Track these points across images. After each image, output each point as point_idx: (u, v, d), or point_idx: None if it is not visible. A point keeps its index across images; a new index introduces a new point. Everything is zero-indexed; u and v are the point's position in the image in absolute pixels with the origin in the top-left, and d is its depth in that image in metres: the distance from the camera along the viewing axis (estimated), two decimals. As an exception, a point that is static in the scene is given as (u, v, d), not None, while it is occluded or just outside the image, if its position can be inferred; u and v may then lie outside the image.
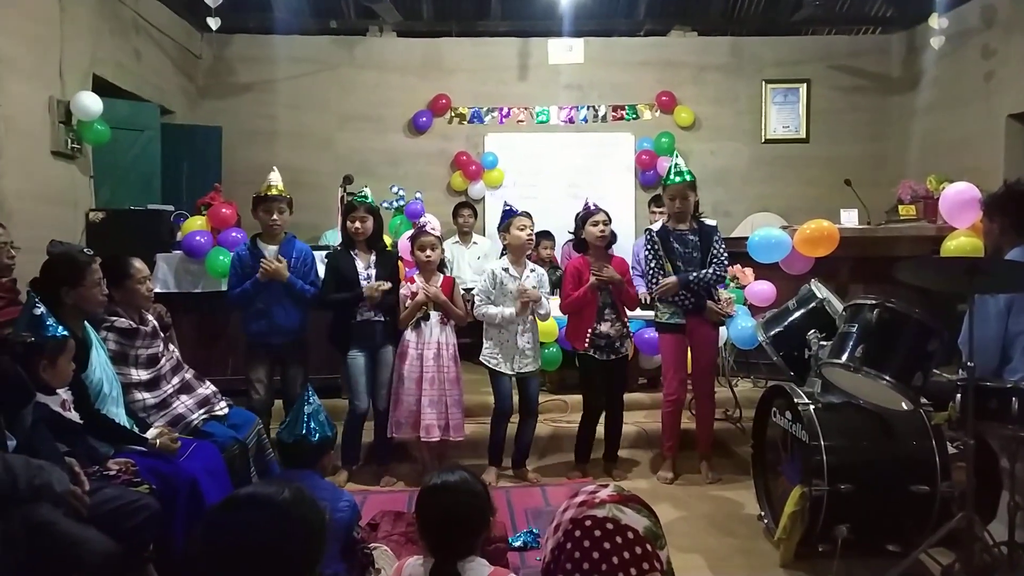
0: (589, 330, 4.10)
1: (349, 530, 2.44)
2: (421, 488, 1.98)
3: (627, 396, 4.43)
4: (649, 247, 4.11)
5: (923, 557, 2.88)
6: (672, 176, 4.05)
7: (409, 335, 4.10)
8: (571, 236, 4.35)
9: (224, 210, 4.95)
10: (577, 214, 4.22)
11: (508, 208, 4.21)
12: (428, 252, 4.11)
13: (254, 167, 6.68)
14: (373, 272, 4.08)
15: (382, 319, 4.08)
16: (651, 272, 4.09)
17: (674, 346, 4.08)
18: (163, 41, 6.52)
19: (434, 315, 4.10)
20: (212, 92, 7.29)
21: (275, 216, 3.98)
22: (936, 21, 6.06)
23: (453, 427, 4.06)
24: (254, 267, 3.94)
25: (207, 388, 3.32)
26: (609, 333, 4.11)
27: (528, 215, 4.25)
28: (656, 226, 4.18)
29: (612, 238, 4.17)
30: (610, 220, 4.14)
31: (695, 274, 3.99)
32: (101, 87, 5.33)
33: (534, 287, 4.10)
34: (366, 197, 4.14)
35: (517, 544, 3.23)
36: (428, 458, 4.15)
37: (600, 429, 4.28)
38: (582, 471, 4.22)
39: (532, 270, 4.18)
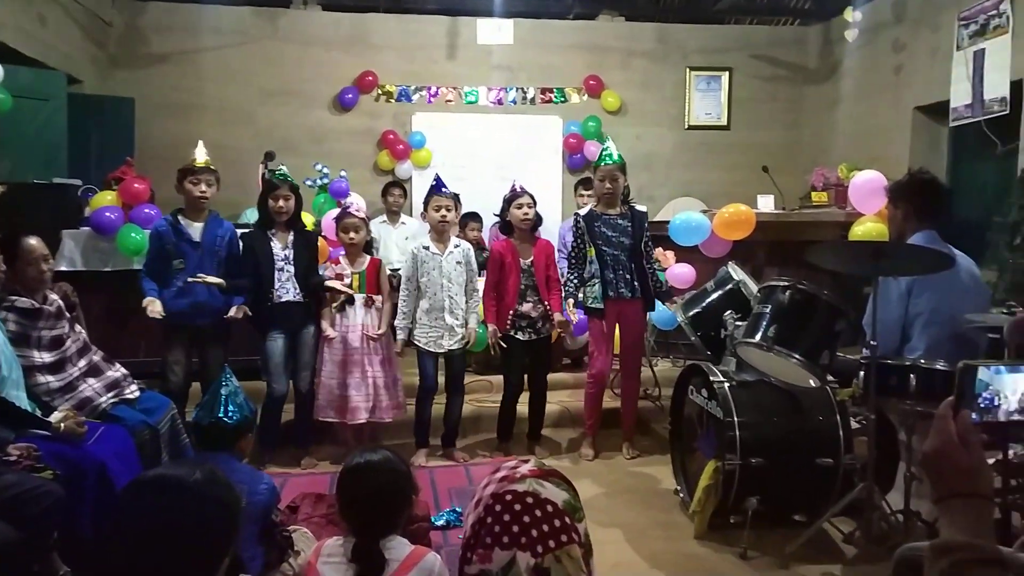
0: (511, 311, 4.13)
1: (268, 513, 2.40)
2: (343, 468, 1.97)
3: (551, 376, 4.49)
4: (574, 229, 4.17)
5: (827, 526, 3.04)
6: (603, 158, 4.11)
7: (331, 318, 4.05)
8: (497, 218, 4.35)
9: (136, 185, 4.75)
10: (504, 196, 4.23)
11: (435, 184, 4.17)
12: (352, 234, 4.05)
13: (169, 141, 6.43)
14: (291, 253, 4.00)
15: (302, 300, 4.01)
16: (574, 259, 4.16)
17: (600, 328, 4.16)
18: (71, 6, 6.15)
19: (359, 298, 4.05)
20: (124, 62, 6.93)
21: (204, 188, 3.84)
22: (850, 15, 6.29)
23: (381, 409, 4.04)
24: (177, 244, 3.81)
25: (117, 371, 3.19)
26: (531, 314, 4.15)
27: (455, 196, 4.23)
28: (583, 211, 4.23)
29: (537, 221, 4.21)
30: (535, 203, 4.17)
31: (653, 278, 4.15)
32: (2, 54, 5.00)
33: (459, 263, 4.09)
34: (286, 175, 4.04)
35: (440, 523, 3.24)
36: (352, 440, 4.12)
37: (525, 408, 4.32)
38: (505, 449, 4.26)
39: (456, 246, 4.15)
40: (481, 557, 1.25)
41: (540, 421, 4.36)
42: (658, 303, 4.28)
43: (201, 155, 3.90)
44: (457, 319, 4.09)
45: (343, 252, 4.16)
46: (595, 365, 4.20)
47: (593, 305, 4.12)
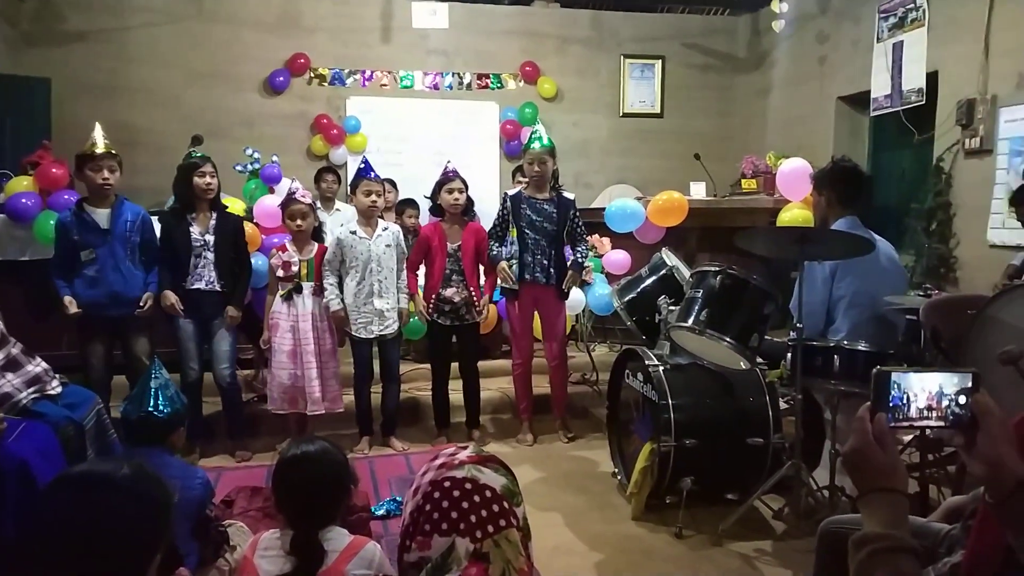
0: (433, 295, 4.13)
1: (202, 508, 2.34)
2: (279, 459, 1.94)
3: (491, 363, 4.51)
4: (500, 207, 4.20)
5: (757, 503, 3.15)
6: (532, 141, 4.13)
7: (279, 307, 3.97)
8: (427, 199, 4.32)
9: (54, 170, 4.52)
10: (437, 179, 4.21)
11: (362, 167, 4.10)
12: (299, 221, 3.97)
13: (89, 124, 6.07)
14: (212, 238, 3.87)
15: (218, 289, 3.88)
16: (493, 232, 4.18)
17: (517, 312, 4.19)
18: (-23, -21, 5.82)
19: (307, 286, 3.98)
20: (39, 40, 6.57)
21: (106, 175, 3.69)
22: (777, 5, 6.45)
23: (331, 399, 4.00)
24: (83, 232, 3.66)
25: (37, 365, 3.04)
26: (453, 299, 4.14)
27: (391, 182, 4.17)
28: (512, 191, 4.25)
29: (469, 205, 4.20)
30: (467, 187, 4.15)
31: (579, 258, 4.15)
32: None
33: (388, 246, 4.04)
34: (203, 155, 3.93)
35: (380, 513, 3.23)
36: (297, 430, 4.06)
37: (460, 396, 4.33)
38: (446, 436, 4.26)
39: (385, 228, 4.10)
40: (420, 544, 1.25)
41: (476, 408, 4.37)
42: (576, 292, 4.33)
43: (100, 140, 3.73)
44: (387, 303, 4.05)
45: (289, 238, 4.07)
46: (516, 348, 4.24)
47: (510, 287, 4.15)
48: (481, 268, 4.25)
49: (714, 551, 2.96)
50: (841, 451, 2.15)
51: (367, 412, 4.16)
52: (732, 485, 3.31)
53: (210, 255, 3.86)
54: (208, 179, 3.84)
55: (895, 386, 1.10)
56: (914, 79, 5.35)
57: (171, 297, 3.80)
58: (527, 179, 4.20)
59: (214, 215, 3.91)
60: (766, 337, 3.14)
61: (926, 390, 1.10)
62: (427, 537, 1.25)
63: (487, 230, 4.23)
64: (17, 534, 2.44)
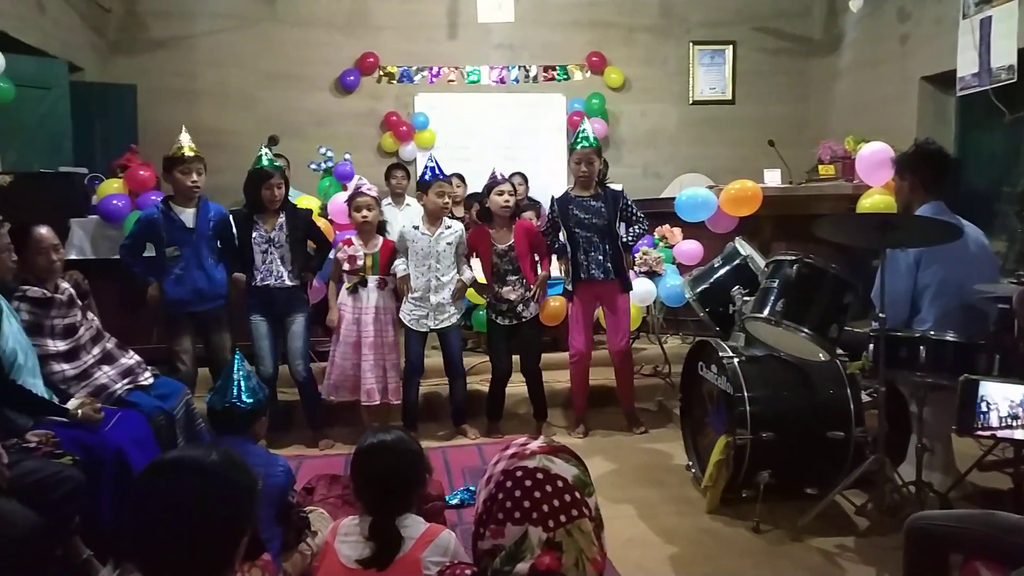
0: (489, 296, 4.19)
1: (284, 494, 2.43)
2: (357, 448, 1.99)
3: (560, 355, 4.51)
4: (549, 210, 4.21)
5: (839, 498, 3.06)
6: (579, 140, 4.10)
7: (344, 299, 4.06)
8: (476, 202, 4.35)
9: (142, 172, 4.76)
10: (485, 184, 4.22)
11: (432, 167, 4.14)
12: (364, 212, 4.04)
13: (172, 127, 6.31)
14: (279, 235, 3.98)
15: (286, 284, 3.98)
16: (547, 232, 4.22)
17: (576, 308, 4.18)
18: (68, -7, 6.13)
19: (371, 279, 4.06)
20: (124, 48, 6.91)
21: (195, 177, 3.83)
22: (855, -16, 6.21)
23: (392, 391, 4.07)
24: (170, 231, 3.80)
25: (131, 358, 3.22)
26: (510, 297, 4.15)
27: (458, 176, 4.20)
28: (559, 194, 4.24)
29: (518, 208, 4.19)
30: (515, 191, 4.15)
31: (628, 239, 4.11)
32: (2, 43, 4.99)
33: (449, 244, 4.09)
34: (272, 162, 4.02)
35: (454, 502, 3.28)
36: (367, 421, 4.15)
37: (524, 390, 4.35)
38: (496, 430, 4.28)
39: (448, 227, 4.14)
40: (494, 532, 1.27)
41: (542, 403, 4.36)
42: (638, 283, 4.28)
43: (187, 143, 3.85)
44: (444, 298, 4.09)
45: (356, 232, 4.17)
46: (572, 346, 4.23)
47: (569, 286, 4.16)
48: (538, 259, 4.25)
49: (793, 546, 2.89)
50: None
51: (414, 406, 4.21)
52: (811, 480, 3.22)
53: (278, 252, 3.97)
54: (275, 191, 3.93)
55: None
56: (1004, 56, 5.06)
57: (240, 278, 3.95)
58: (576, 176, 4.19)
59: (282, 214, 4.01)
60: (846, 327, 3.04)
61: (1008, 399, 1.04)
62: (500, 526, 1.26)
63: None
64: (113, 518, 2.58)
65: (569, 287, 4.14)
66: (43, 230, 2.98)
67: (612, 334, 4.23)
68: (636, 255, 4.55)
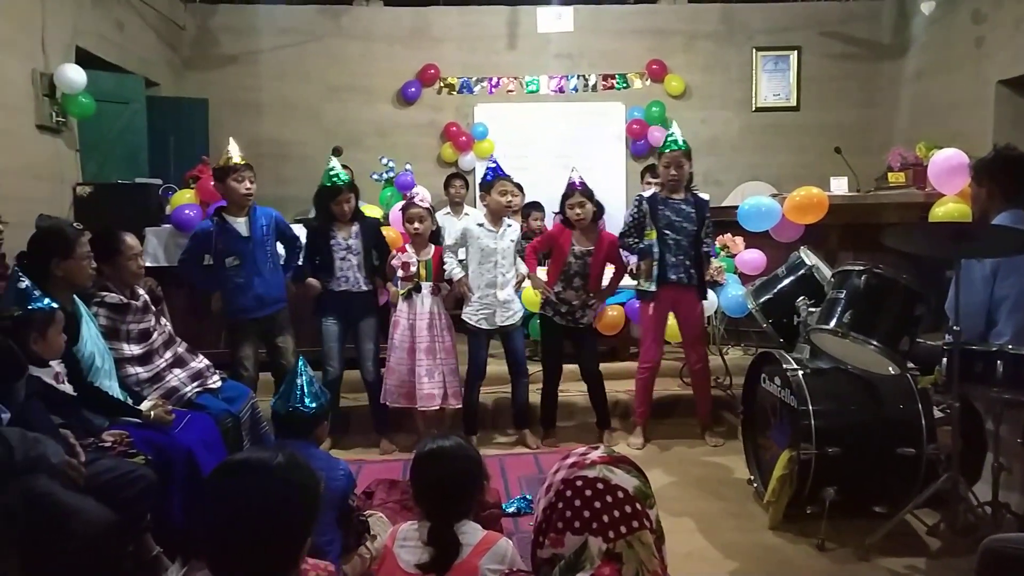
0: (552, 293, 4.15)
1: (345, 498, 2.47)
2: (416, 454, 2.01)
3: (619, 365, 4.47)
4: (635, 209, 4.13)
5: (909, 518, 2.95)
6: (668, 144, 4.08)
7: (400, 305, 4.12)
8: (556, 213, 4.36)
9: (213, 183, 4.91)
10: (563, 192, 4.21)
11: (493, 167, 4.19)
12: (416, 224, 4.11)
13: (241, 139, 6.57)
14: (355, 243, 4.08)
15: (362, 289, 4.08)
16: (629, 232, 4.12)
17: (652, 313, 4.12)
18: (146, 12, 6.41)
19: (425, 285, 4.12)
20: (197, 64, 7.18)
21: (248, 185, 3.89)
22: (927, -14, 6.03)
23: (451, 395, 4.11)
24: (226, 242, 3.86)
25: (200, 362, 3.33)
26: (572, 301, 4.14)
27: (517, 185, 4.23)
28: (647, 192, 4.20)
29: (599, 212, 4.15)
30: (592, 196, 4.09)
31: (707, 249, 4.11)
32: (84, 59, 5.24)
33: (512, 241, 4.14)
34: (339, 175, 4.08)
35: (511, 510, 3.28)
36: (424, 427, 4.19)
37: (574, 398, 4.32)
38: (554, 438, 4.25)
39: (509, 226, 4.19)
40: (553, 541, 1.26)
41: (604, 410, 4.33)
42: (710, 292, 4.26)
43: (236, 153, 3.93)
44: (508, 295, 4.12)
45: (410, 241, 4.23)
46: (644, 352, 4.19)
47: (646, 287, 4.09)
48: (609, 268, 4.22)
49: (860, 566, 2.80)
50: None
51: (474, 411, 4.22)
52: (880, 497, 3.11)
53: (352, 259, 4.07)
54: (344, 207, 4.03)
55: None
56: (1090, 56, 4.83)
57: (315, 284, 4.05)
58: (660, 181, 4.15)
59: (356, 222, 4.13)
60: (918, 340, 2.93)
61: None
62: (560, 535, 1.26)
63: (618, 233, 4.20)
64: (182, 517, 2.67)
65: (651, 288, 4.08)
66: (130, 238, 3.14)
67: (689, 342, 4.19)
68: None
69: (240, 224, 3.91)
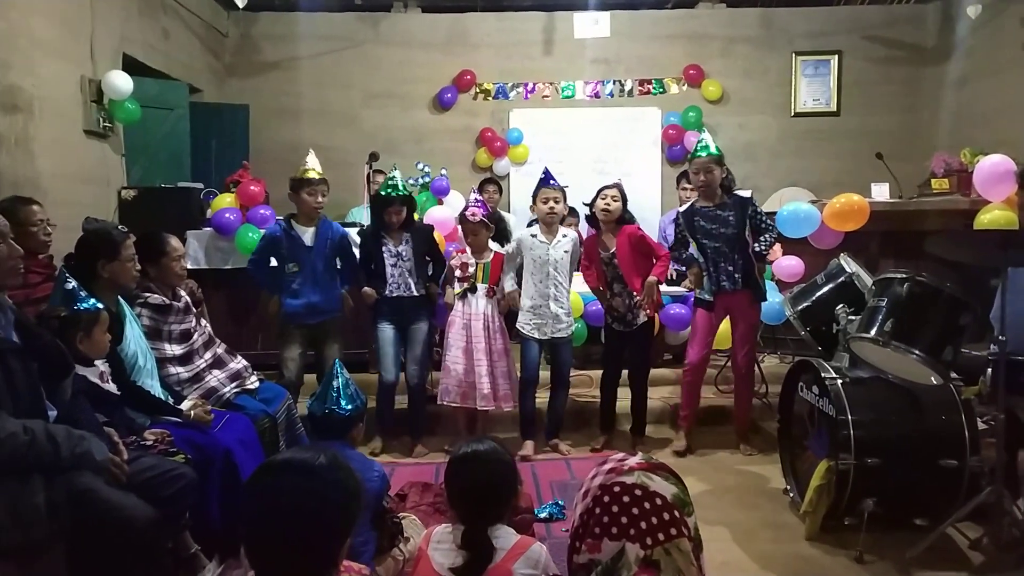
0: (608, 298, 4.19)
1: (379, 500, 2.49)
2: (451, 457, 2.02)
3: (653, 372, 4.44)
4: (675, 226, 4.19)
5: (951, 531, 2.88)
6: (698, 150, 4.05)
7: (456, 305, 4.19)
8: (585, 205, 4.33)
9: (252, 187, 5.01)
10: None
11: (543, 176, 4.20)
12: (471, 237, 4.21)
13: (281, 145, 6.78)
14: (405, 249, 4.12)
15: (414, 295, 4.13)
16: (674, 247, 4.19)
17: (702, 318, 4.10)
18: (191, 20, 6.56)
19: (481, 287, 4.16)
20: (238, 70, 7.33)
21: (320, 199, 4.02)
22: (973, -11, 5.90)
23: (502, 397, 4.13)
24: (290, 248, 4.01)
25: (238, 362, 3.39)
26: (619, 309, 4.14)
27: (563, 189, 4.20)
28: (684, 207, 4.20)
29: (624, 216, 4.11)
30: (622, 195, 4.08)
31: (760, 248, 4.00)
32: (130, 66, 5.38)
33: (566, 252, 4.13)
34: (396, 186, 4.11)
35: (543, 515, 3.27)
36: (466, 430, 4.24)
37: (627, 404, 4.30)
38: (606, 439, 4.25)
39: (564, 235, 4.18)
40: (590, 547, 1.26)
41: (642, 417, 4.31)
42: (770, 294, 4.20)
43: (312, 164, 4.02)
44: (563, 307, 4.12)
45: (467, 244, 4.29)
46: (688, 354, 4.16)
47: (702, 296, 4.08)
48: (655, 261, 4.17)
49: (900, 580, 2.74)
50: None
51: (531, 415, 4.23)
52: (921, 510, 3.03)
53: (404, 265, 4.12)
54: (393, 217, 4.09)
55: None
56: None
57: (369, 292, 4.11)
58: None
59: (406, 231, 4.17)
60: (962, 350, 2.86)
61: None
62: (597, 540, 1.26)
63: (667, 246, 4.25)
64: (220, 515, 2.71)
65: (705, 296, 4.06)
66: (174, 240, 3.22)
67: (739, 346, 4.13)
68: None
69: (306, 234, 4.04)
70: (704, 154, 4.01)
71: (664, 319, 4.89)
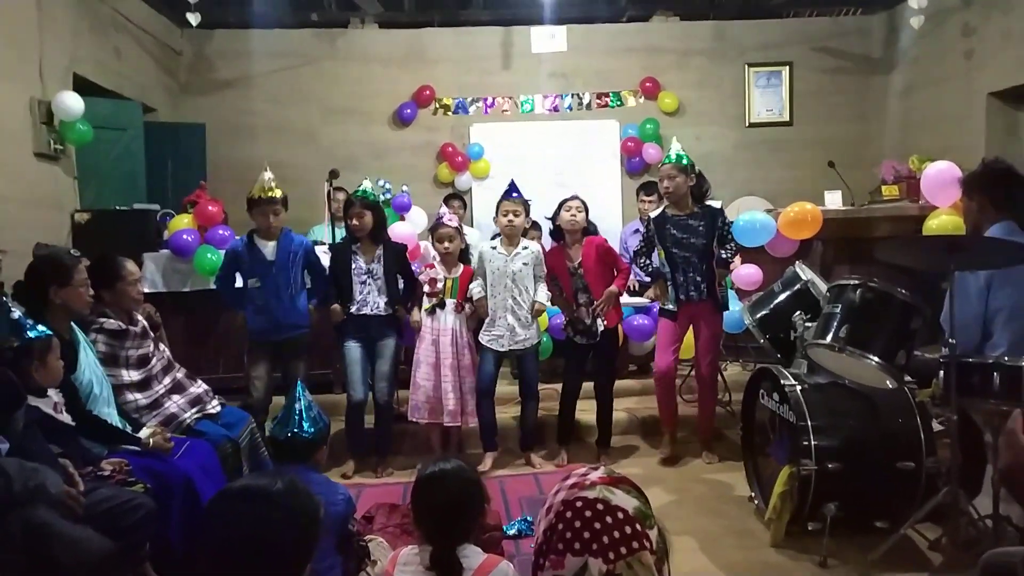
0: (568, 318, 4.21)
1: (345, 523, 2.46)
2: (417, 477, 2.01)
3: (617, 383, 4.47)
4: (644, 232, 4.22)
5: (911, 532, 2.94)
6: (665, 158, 4.12)
7: (425, 320, 4.17)
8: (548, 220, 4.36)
9: (210, 208, 4.94)
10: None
11: (507, 188, 4.22)
12: (446, 244, 4.18)
13: (239, 163, 6.68)
14: (376, 267, 4.10)
15: (381, 313, 4.10)
16: (640, 252, 4.22)
17: (667, 327, 4.15)
18: (143, 38, 6.46)
19: (449, 302, 4.15)
20: (194, 88, 7.23)
21: (271, 219, 3.97)
22: (916, 0, 6.09)
23: (469, 412, 4.14)
24: (251, 263, 3.97)
25: (199, 387, 3.33)
26: (584, 319, 4.16)
27: (526, 202, 4.22)
28: (655, 213, 4.24)
29: (589, 228, 4.20)
30: (585, 208, 4.15)
31: (724, 255, 4.07)
32: (82, 86, 5.28)
33: (525, 264, 4.13)
34: (365, 192, 4.14)
35: (512, 532, 3.26)
36: (439, 446, 4.24)
37: (590, 416, 4.32)
38: (567, 454, 4.25)
39: (525, 247, 4.18)
40: (554, 563, 1.27)
41: (608, 428, 4.34)
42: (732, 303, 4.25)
43: (267, 183, 3.97)
44: (520, 321, 4.12)
45: (438, 259, 4.26)
46: (657, 363, 4.20)
47: (667, 307, 4.12)
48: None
49: (863, 582, 2.79)
50: (998, 469, 1.98)
51: (490, 427, 4.22)
52: (881, 512, 3.10)
53: (374, 282, 4.09)
54: (355, 220, 4.07)
55: None
56: (1078, 68, 4.88)
57: (337, 310, 4.06)
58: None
59: (380, 247, 4.14)
60: (915, 353, 2.94)
61: None
62: (560, 556, 1.26)
63: (634, 250, 4.29)
64: (182, 544, 2.65)
65: (669, 307, 4.11)
66: (130, 264, 3.16)
67: (702, 355, 4.19)
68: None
69: (268, 248, 3.99)
70: (667, 162, 4.09)
71: (628, 330, 4.93)
